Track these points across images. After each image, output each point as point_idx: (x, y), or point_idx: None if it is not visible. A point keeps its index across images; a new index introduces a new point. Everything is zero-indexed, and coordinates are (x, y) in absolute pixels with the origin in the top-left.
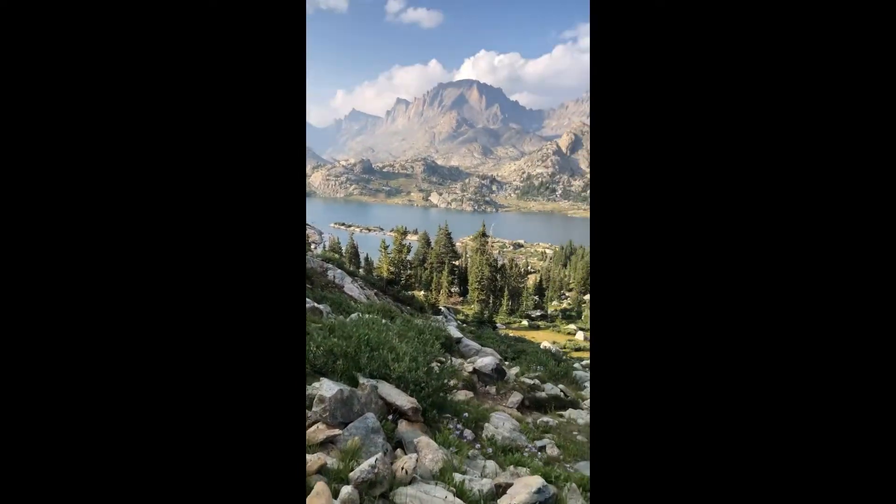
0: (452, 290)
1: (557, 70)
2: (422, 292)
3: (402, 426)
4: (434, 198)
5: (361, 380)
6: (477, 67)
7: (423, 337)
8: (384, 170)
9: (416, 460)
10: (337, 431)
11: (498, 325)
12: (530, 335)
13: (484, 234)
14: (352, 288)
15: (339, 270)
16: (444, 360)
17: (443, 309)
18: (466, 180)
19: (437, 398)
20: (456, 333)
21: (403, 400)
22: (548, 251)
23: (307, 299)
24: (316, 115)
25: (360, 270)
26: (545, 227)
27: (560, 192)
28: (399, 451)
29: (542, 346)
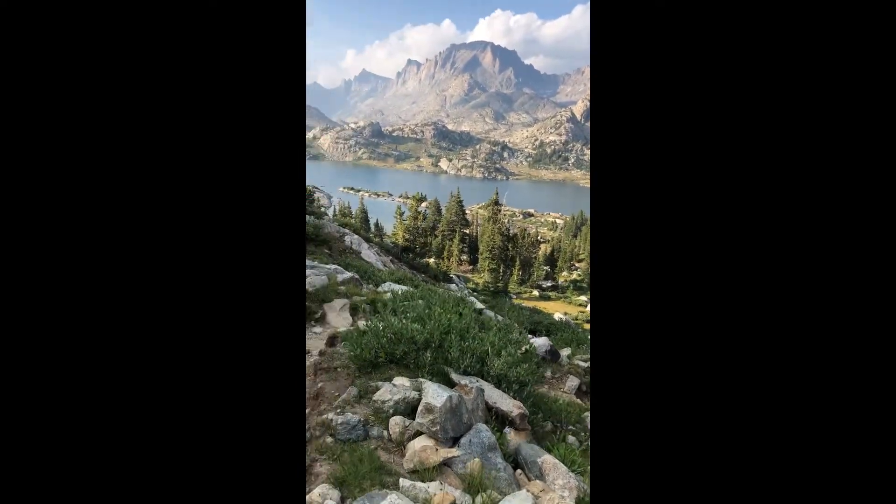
0: (462, 258)
1: (576, 31)
2: (432, 260)
3: (511, 436)
4: (444, 163)
5: (458, 379)
6: (492, 28)
7: (506, 322)
8: (394, 133)
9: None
10: (454, 452)
11: (510, 294)
12: (541, 305)
13: (497, 203)
14: (368, 254)
15: (356, 236)
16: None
17: (454, 277)
18: (477, 146)
19: (536, 398)
20: (477, 304)
21: (509, 404)
22: (558, 221)
23: (334, 265)
24: (325, 75)
25: (372, 236)
26: (556, 197)
27: (573, 160)
28: (519, 473)
29: (556, 318)
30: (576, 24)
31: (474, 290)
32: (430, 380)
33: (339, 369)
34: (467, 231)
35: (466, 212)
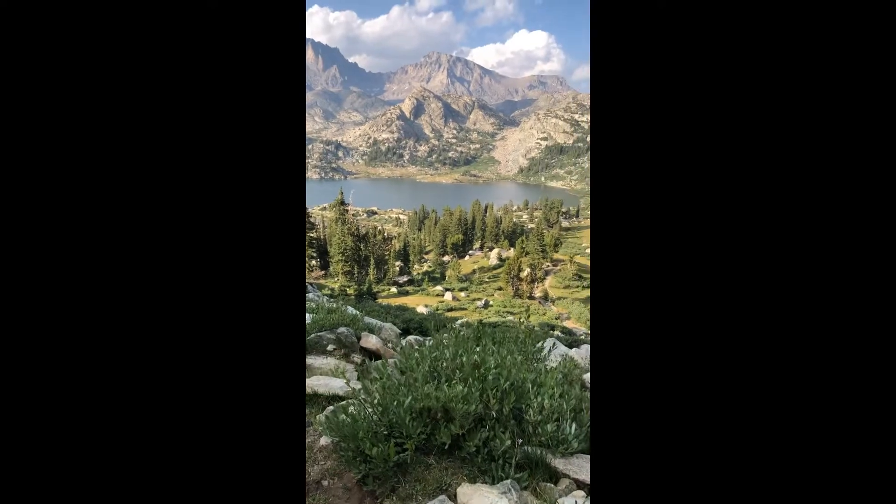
0: (311, 263)
1: (395, 32)
2: None
3: None
4: None
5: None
6: (311, 24)
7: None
8: None
9: None
10: None
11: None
12: (402, 301)
13: (342, 203)
14: None
15: None
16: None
17: (308, 286)
18: (310, 146)
19: None
20: (351, 311)
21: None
22: (402, 217)
23: None
24: None
25: None
26: (396, 193)
27: (407, 157)
28: None
29: (420, 311)
30: (394, 24)
31: (330, 296)
32: (525, 481)
33: (329, 479)
34: (313, 235)
35: (309, 214)
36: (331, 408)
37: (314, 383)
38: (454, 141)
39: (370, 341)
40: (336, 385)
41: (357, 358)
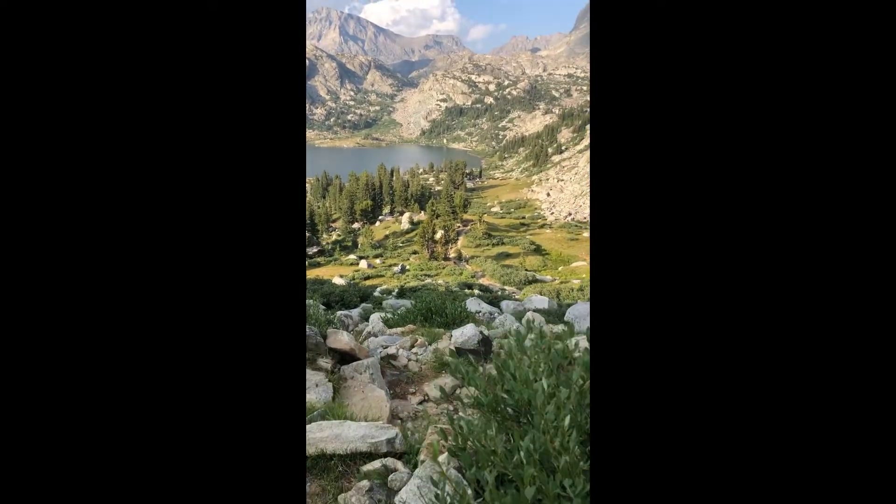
0: None
1: None
2: None
3: None
4: None
5: None
6: None
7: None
8: None
9: None
10: None
11: None
12: (316, 274)
13: None
14: None
15: None
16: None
17: None
18: None
19: None
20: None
21: None
22: None
23: None
24: None
25: None
26: None
27: None
28: None
29: (337, 282)
30: None
31: None
32: None
33: None
34: None
35: None
36: (365, 483)
37: (313, 433)
38: (352, 103)
39: (341, 340)
40: (352, 435)
41: (325, 363)
